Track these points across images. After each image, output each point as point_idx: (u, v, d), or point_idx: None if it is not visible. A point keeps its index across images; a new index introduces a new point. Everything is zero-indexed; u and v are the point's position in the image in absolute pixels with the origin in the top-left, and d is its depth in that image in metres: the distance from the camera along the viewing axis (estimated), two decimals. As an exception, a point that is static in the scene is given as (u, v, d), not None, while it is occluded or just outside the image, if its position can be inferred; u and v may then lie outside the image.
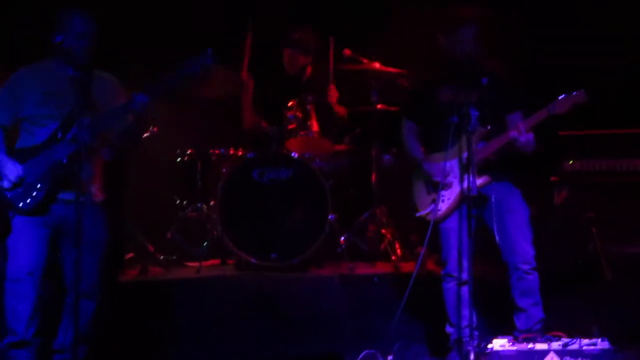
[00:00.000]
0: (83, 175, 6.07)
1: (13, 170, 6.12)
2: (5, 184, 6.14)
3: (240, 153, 8.47)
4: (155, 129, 8.44)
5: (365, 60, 8.48)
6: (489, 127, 6.36)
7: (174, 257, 8.38)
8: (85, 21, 6.27)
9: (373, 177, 8.44)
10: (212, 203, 8.34)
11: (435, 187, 6.46)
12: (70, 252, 6.22)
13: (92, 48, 6.27)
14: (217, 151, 8.52)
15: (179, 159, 8.61)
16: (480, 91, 6.34)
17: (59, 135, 6.17)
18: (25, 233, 6.19)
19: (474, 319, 6.19)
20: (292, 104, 8.30)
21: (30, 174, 6.14)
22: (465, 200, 6.16)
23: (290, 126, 8.30)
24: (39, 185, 6.13)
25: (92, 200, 6.25)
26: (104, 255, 6.40)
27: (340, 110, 8.73)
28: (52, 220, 6.23)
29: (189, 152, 8.57)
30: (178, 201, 8.54)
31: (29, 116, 6.24)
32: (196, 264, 8.04)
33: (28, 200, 6.13)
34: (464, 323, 6.42)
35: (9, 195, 6.16)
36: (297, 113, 8.29)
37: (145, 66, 7.59)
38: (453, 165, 6.42)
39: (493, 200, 6.40)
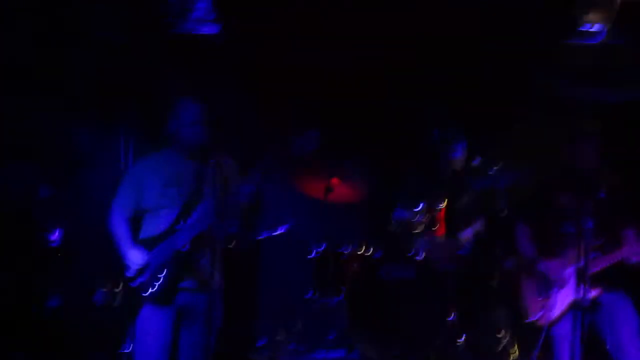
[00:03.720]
0: (204, 262, 6.15)
1: (137, 259, 6.11)
2: (130, 273, 6.13)
3: (369, 252, 8.68)
4: (290, 224, 8.72)
5: (493, 169, 8.49)
6: (602, 240, 6.36)
7: (302, 348, 8.47)
8: (196, 109, 6.26)
9: (495, 280, 8.46)
10: (341, 297, 8.54)
11: (552, 285, 6.47)
12: (187, 335, 6.26)
13: (206, 134, 6.22)
14: (347, 250, 8.73)
15: (312, 255, 8.79)
16: (597, 203, 6.35)
17: (180, 224, 6.16)
18: (154, 320, 6.15)
19: None
20: (421, 207, 8.45)
21: (155, 261, 6.11)
22: (577, 308, 6.11)
23: (419, 227, 8.45)
24: (163, 273, 6.10)
25: (212, 286, 6.04)
26: (215, 341, 6.15)
27: None
28: (176, 307, 6.20)
29: (322, 248, 8.76)
30: (311, 293, 8.69)
31: (151, 207, 6.25)
32: (322, 354, 8.20)
33: (154, 289, 6.08)
34: None
35: (134, 284, 6.14)
36: (426, 216, 8.44)
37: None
38: (568, 272, 6.45)
39: (605, 309, 6.37)
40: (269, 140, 6.89)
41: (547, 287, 6.52)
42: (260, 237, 8.64)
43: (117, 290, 6.19)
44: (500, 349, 8.27)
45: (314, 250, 8.80)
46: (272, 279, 8.68)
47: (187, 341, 6.32)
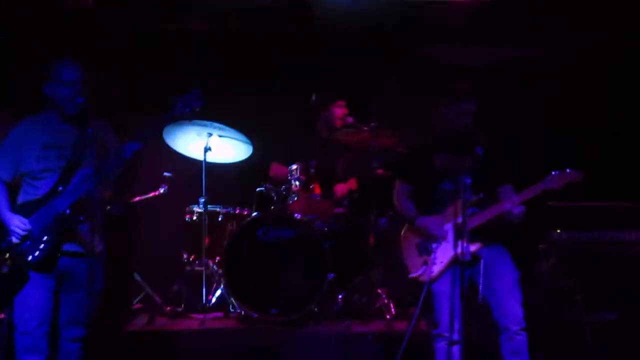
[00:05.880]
0: (85, 226, 5.99)
1: (20, 225, 5.91)
2: (14, 240, 5.93)
3: (246, 212, 8.53)
4: (166, 187, 8.51)
5: (366, 127, 8.49)
6: (481, 195, 6.36)
7: (180, 309, 8.34)
8: (72, 69, 6.04)
9: (371, 239, 8.44)
10: (217, 259, 8.39)
11: (433, 241, 6.45)
12: (67, 299, 6.10)
13: (83, 96, 5.99)
14: (224, 210, 8.58)
15: (187, 217, 8.60)
16: (474, 160, 6.33)
17: (60, 188, 5.96)
18: (34, 286, 5.96)
19: (465, 379, 6.11)
20: (296, 167, 8.37)
21: (36, 227, 5.93)
22: (458, 263, 6.12)
23: (294, 188, 8.36)
24: (45, 238, 5.92)
25: (93, 251, 5.95)
26: (97, 305, 6.13)
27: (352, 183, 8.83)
28: (57, 272, 6.04)
29: (197, 210, 8.56)
30: (186, 256, 8.53)
31: (30, 171, 6.03)
32: (201, 316, 8.02)
33: (36, 253, 5.91)
34: (455, 383, 6.33)
35: (18, 250, 5.93)
36: (301, 176, 8.36)
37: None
38: (448, 228, 6.45)
39: (484, 262, 6.37)
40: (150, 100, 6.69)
41: (428, 243, 6.48)
42: (135, 200, 8.38)
43: (4, 257, 5.89)
44: (377, 307, 8.26)
45: (190, 212, 8.58)
46: (148, 241, 8.44)
47: (69, 306, 6.14)
